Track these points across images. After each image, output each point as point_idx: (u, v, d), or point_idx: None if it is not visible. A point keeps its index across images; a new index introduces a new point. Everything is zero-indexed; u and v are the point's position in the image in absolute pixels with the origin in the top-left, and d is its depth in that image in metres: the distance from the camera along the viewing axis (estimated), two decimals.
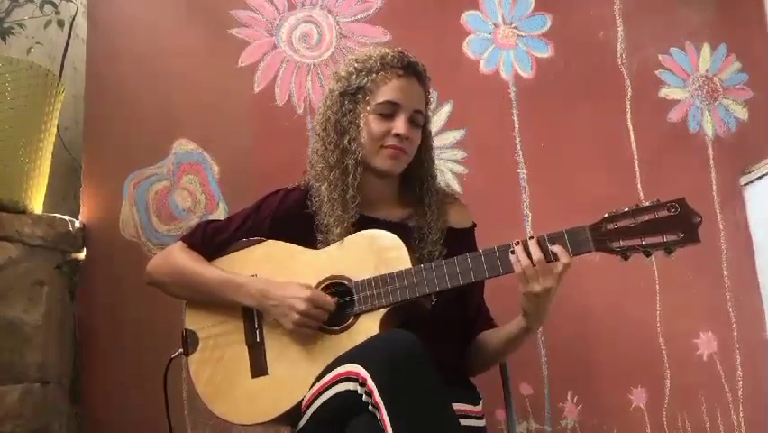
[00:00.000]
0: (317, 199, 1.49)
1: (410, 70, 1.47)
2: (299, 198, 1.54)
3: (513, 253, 1.30)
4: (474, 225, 1.59)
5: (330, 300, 1.37)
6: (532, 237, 1.30)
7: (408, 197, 1.54)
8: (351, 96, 1.47)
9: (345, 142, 1.46)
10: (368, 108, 1.45)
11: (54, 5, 2.24)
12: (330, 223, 1.44)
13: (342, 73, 1.50)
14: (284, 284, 1.41)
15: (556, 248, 1.28)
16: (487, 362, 1.53)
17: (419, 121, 1.49)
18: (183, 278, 1.51)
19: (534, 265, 1.28)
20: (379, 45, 1.52)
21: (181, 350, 1.52)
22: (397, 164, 1.48)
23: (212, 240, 1.54)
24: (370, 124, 1.45)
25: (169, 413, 1.60)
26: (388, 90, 1.45)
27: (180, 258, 1.52)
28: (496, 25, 2.30)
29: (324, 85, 2.18)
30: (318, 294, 1.38)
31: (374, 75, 1.45)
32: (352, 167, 1.44)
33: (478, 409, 1.46)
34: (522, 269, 1.29)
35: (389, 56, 1.46)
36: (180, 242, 1.56)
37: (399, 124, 1.44)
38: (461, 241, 1.50)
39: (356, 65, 1.48)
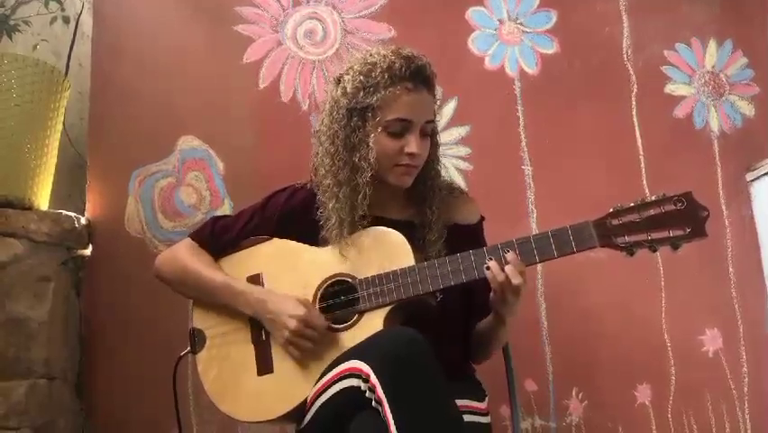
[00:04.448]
0: (324, 213, 1.46)
1: (419, 80, 1.41)
2: (305, 200, 1.53)
3: (488, 269, 1.31)
4: (482, 219, 1.59)
5: (322, 323, 1.37)
6: (502, 248, 1.32)
7: (414, 195, 1.53)
8: (359, 112, 1.41)
9: (356, 160, 1.41)
10: (378, 127, 1.40)
11: (60, 2, 2.26)
12: (335, 240, 1.43)
13: (349, 88, 1.41)
14: (282, 298, 1.41)
15: (509, 256, 1.31)
16: (482, 349, 1.55)
17: (429, 130, 1.46)
18: (187, 278, 1.51)
19: (509, 281, 1.29)
20: (383, 44, 1.49)
21: (189, 348, 1.52)
22: (410, 179, 1.47)
23: (219, 238, 1.54)
24: (382, 142, 1.40)
25: (178, 411, 1.60)
26: (398, 108, 1.39)
27: (186, 257, 1.52)
28: (501, 21, 2.29)
29: (328, 81, 2.17)
30: (312, 315, 1.37)
31: (382, 92, 1.38)
32: (363, 186, 1.41)
33: (483, 405, 1.47)
34: (499, 283, 1.30)
35: (396, 66, 1.39)
36: (188, 239, 1.57)
37: (412, 143, 1.41)
38: (466, 237, 1.50)
39: (362, 78, 1.40)
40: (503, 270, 1.30)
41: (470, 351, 1.57)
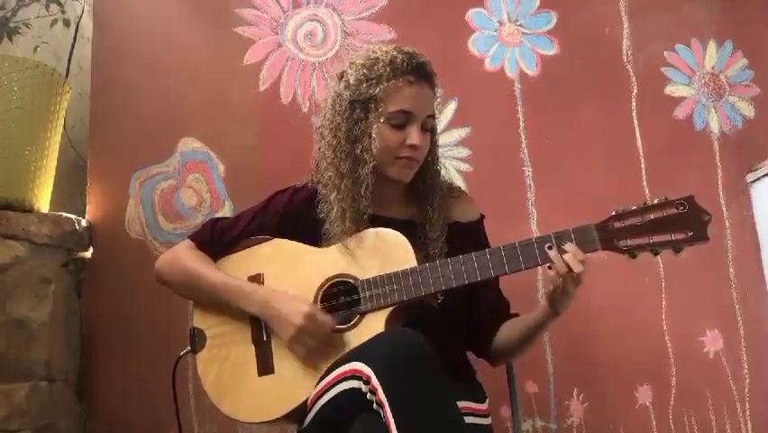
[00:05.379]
0: (326, 206, 1.47)
1: (420, 74, 1.43)
2: (306, 200, 1.53)
3: (550, 265, 1.30)
4: (482, 217, 1.59)
5: (327, 321, 1.37)
6: (562, 237, 1.31)
7: (414, 194, 1.53)
8: (361, 104, 1.42)
9: (358, 151, 1.42)
10: (380, 118, 1.41)
11: (60, 5, 2.26)
12: (338, 232, 1.43)
13: (351, 80, 1.44)
14: (288, 297, 1.40)
15: (568, 246, 1.29)
16: (516, 350, 1.51)
17: (429, 125, 1.47)
18: (189, 279, 1.50)
19: (570, 270, 1.28)
20: (384, 43, 1.50)
21: (189, 348, 1.52)
22: (411, 173, 1.48)
23: (219, 239, 1.54)
24: (384, 134, 1.42)
25: (178, 411, 1.60)
26: (400, 100, 1.41)
27: (187, 259, 1.52)
28: (501, 23, 2.30)
29: (329, 81, 2.17)
30: (317, 313, 1.37)
31: (385, 83, 1.40)
32: (365, 177, 1.41)
33: (483, 407, 1.46)
34: (562, 274, 1.29)
35: (398, 60, 1.41)
36: (188, 240, 1.56)
37: (413, 135, 1.42)
38: (467, 234, 1.50)
39: (365, 71, 1.43)
40: (562, 258, 1.29)
41: (494, 353, 1.54)
